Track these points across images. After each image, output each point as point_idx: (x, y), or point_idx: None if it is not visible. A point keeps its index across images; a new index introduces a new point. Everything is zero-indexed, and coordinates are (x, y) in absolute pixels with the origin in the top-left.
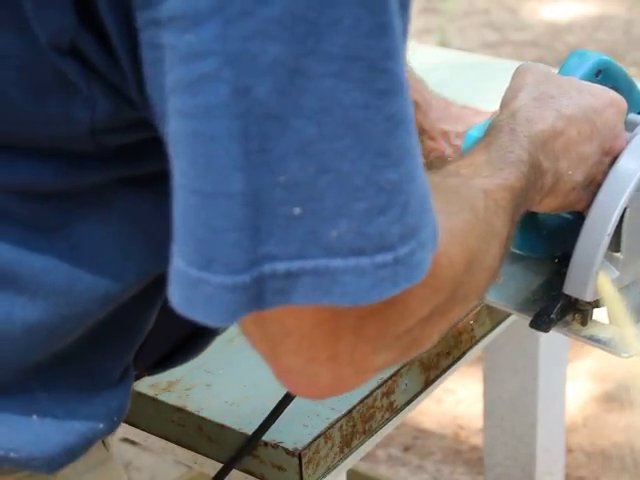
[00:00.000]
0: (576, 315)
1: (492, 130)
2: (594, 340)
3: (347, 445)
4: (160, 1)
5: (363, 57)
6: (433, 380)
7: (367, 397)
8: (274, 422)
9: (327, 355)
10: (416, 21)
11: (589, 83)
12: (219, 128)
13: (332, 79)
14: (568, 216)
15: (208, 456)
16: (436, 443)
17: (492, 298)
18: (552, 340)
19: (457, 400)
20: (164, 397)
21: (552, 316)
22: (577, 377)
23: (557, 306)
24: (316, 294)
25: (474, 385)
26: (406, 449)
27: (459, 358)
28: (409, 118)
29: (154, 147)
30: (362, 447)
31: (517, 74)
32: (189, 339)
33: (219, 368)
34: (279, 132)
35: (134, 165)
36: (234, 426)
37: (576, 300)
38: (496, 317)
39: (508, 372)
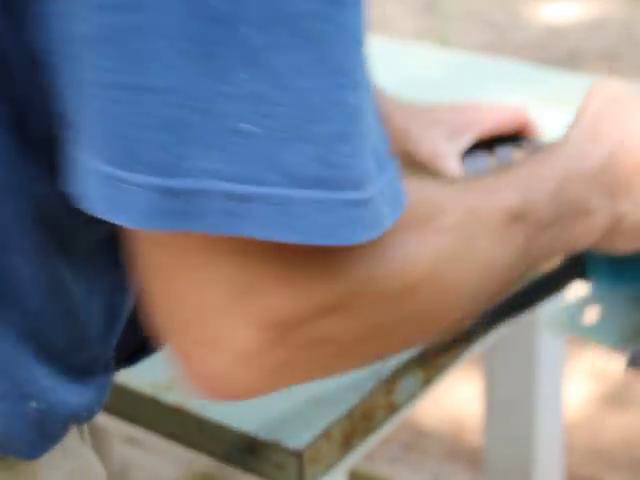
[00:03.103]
0: None
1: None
2: None
3: (347, 444)
4: None
5: None
6: (433, 380)
7: (367, 396)
8: None
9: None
10: (416, 21)
11: None
12: (160, 23)
13: None
14: None
15: (208, 456)
16: (436, 443)
17: (589, 334)
18: (552, 340)
19: (457, 400)
20: (164, 397)
21: None
22: (576, 377)
23: None
24: (271, 226)
25: (474, 385)
26: (406, 449)
27: (459, 358)
28: (363, 39)
29: None
30: (362, 446)
31: (587, 95)
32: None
33: None
34: (226, 38)
35: None
36: (234, 425)
37: None
38: None
39: (508, 372)
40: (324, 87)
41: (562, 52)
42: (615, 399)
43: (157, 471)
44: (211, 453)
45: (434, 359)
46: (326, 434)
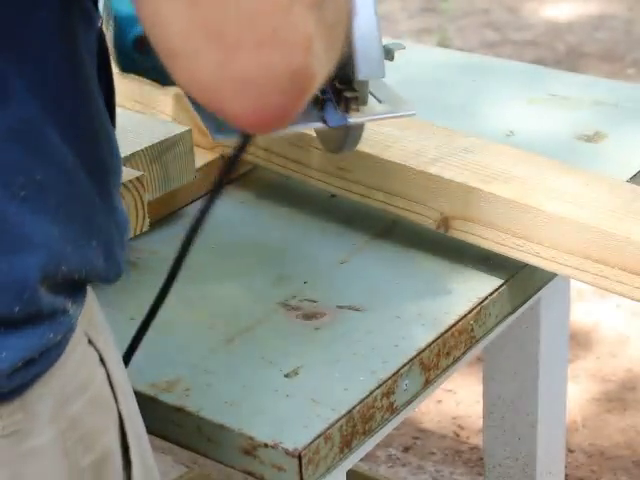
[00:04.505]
0: (348, 105)
1: None
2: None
3: (347, 445)
4: None
5: None
6: (433, 380)
7: (367, 397)
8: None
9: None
10: (416, 21)
11: None
12: None
13: None
14: None
15: (208, 456)
16: (436, 443)
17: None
18: (552, 340)
19: (457, 400)
20: (164, 397)
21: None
22: (577, 377)
23: None
24: None
25: (474, 385)
26: (406, 449)
27: (459, 358)
28: None
29: None
30: (362, 447)
31: None
32: None
33: (219, 368)
34: None
35: None
36: (234, 426)
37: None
38: (496, 317)
39: (508, 372)
40: None
41: (562, 52)
42: (616, 400)
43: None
44: (210, 454)
45: (434, 359)
46: (326, 435)
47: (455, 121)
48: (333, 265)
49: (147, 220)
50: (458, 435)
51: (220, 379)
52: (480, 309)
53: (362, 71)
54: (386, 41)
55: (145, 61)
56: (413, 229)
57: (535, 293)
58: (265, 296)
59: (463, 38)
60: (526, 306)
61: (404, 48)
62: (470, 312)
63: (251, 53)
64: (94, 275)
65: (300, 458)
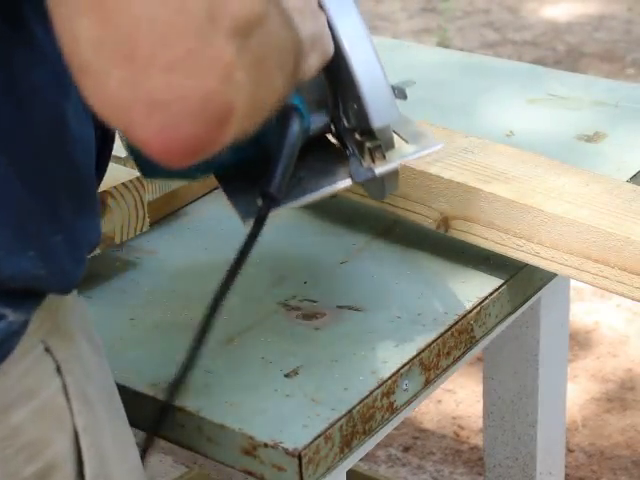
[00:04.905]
0: (373, 155)
1: None
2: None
3: (347, 445)
4: None
5: None
6: (433, 380)
7: (367, 397)
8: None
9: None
10: (416, 21)
11: None
12: None
13: None
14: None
15: (208, 456)
16: (436, 443)
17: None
18: (552, 340)
19: (457, 400)
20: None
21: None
22: (577, 377)
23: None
24: None
25: (474, 385)
26: (406, 449)
27: (459, 358)
28: None
29: None
30: (362, 447)
31: None
32: None
33: (219, 368)
34: None
35: None
36: (234, 426)
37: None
38: (496, 317)
39: (508, 372)
40: None
41: (562, 52)
42: (616, 400)
43: (157, 471)
44: (210, 454)
45: (434, 359)
46: (326, 435)
47: (455, 121)
48: (333, 265)
49: (147, 220)
50: (458, 435)
51: (220, 379)
52: (480, 309)
53: (376, 120)
54: (386, 41)
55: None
56: (413, 229)
57: (535, 293)
58: (265, 296)
59: (463, 38)
60: (526, 306)
61: (414, 83)
62: (470, 312)
63: (162, 74)
64: (36, 285)
65: (300, 458)
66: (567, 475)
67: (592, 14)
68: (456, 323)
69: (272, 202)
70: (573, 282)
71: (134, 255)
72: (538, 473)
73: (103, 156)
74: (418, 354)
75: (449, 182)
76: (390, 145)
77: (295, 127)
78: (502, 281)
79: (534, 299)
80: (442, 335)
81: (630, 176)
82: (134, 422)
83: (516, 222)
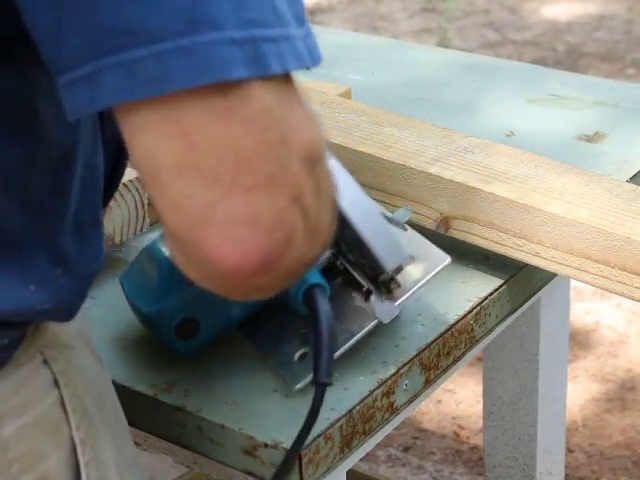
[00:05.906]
0: (388, 287)
1: None
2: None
3: (347, 445)
4: None
5: None
6: (433, 380)
7: (367, 397)
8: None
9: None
10: (416, 21)
11: None
12: None
13: None
14: None
15: (208, 456)
16: (436, 443)
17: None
18: (552, 340)
19: (457, 400)
20: (164, 397)
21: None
22: (577, 377)
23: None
24: (196, 73)
25: (474, 385)
26: (406, 449)
27: (459, 358)
28: None
29: None
30: (362, 447)
31: None
32: None
33: (219, 368)
34: None
35: None
36: (234, 426)
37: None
38: (496, 317)
39: (508, 372)
40: None
41: (562, 52)
42: (616, 400)
43: (157, 471)
44: (211, 454)
45: (434, 359)
46: (326, 435)
47: (455, 121)
48: None
49: (147, 220)
50: (458, 435)
51: (220, 379)
52: (480, 309)
53: (389, 263)
54: (386, 41)
55: (186, 345)
56: (413, 229)
57: (535, 293)
58: None
59: (463, 38)
60: (526, 306)
61: (411, 212)
62: (470, 312)
63: (243, 195)
64: (38, 318)
65: (300, 458)
66: (567, 475)
67: (592, 14)
68: (456, 323)
69: (325, 387)
70: (573, 282)
71: (134, 255)
72: (538, 473)
73: (113, 181)
74: (418, 354)
75: (449, 182)
76: (400, 271)
77: (325, 306)
78: (502, 281)
79: (534, 299)
80: (442, 335)
81: (630, 176)
82: (134, 422)
83: (516, 222)
